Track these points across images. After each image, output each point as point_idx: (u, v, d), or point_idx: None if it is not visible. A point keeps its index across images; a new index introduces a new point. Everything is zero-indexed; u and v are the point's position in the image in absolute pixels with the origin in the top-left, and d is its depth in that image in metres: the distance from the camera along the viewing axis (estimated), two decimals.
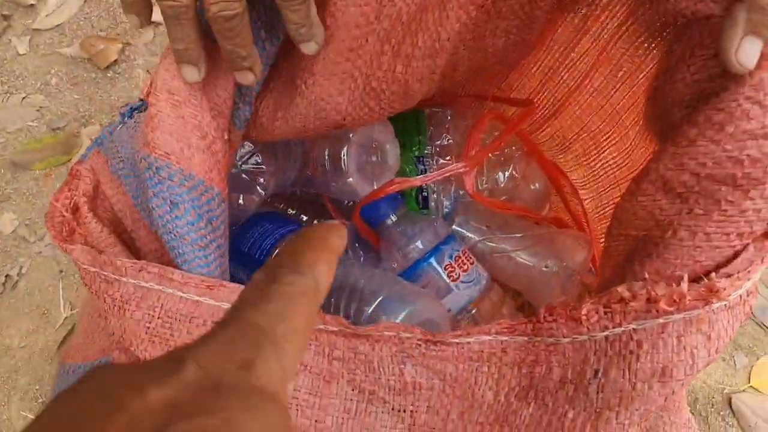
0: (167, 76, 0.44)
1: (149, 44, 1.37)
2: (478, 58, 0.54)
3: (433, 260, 0.65)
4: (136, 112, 0.51)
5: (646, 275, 0.39)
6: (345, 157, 0.58)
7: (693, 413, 1.11)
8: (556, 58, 0.65)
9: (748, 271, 0.37)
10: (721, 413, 1.12)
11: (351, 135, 0.59)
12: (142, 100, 0.51)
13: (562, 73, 0.67)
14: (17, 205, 1.26)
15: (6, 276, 1.21)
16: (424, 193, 0.71)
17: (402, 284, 0.58)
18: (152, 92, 0.45)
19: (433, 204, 0.71)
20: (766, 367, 1.14)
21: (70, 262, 1.21)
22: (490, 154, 0.67)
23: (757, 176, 0.36)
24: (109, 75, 1.35)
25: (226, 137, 0.48)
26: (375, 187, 0.61)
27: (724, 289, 0.36)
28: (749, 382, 1.13)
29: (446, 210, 0.71)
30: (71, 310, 1.19)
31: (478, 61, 0.54)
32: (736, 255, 0.38)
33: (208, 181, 0.45)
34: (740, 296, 0.38)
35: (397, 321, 0.54)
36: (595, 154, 0.70)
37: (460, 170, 0.61)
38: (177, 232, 0.44)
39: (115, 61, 1.35)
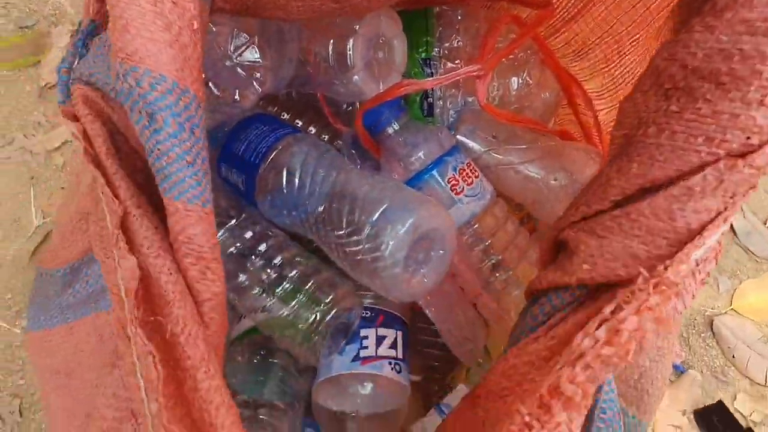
0: None
1: None
2: None
3: (435, 172, 0.61)
4: (90, 37, 0.45)
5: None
6: (351, 51, 0.54)
7: None
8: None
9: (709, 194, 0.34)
10: (702, 335, 1.13)
11: (357, 27, 0.54)
12: (92, 21, 0.45)
13: None
14: None
15: None
16: (429, 100, 0.67)
17: (406, 191, 0.55)
18: None
19: (438, 111, 0.67)
20: (748, 290, 1.15)
21: (42, 169, 1.16)
22: (504, 60, 0.63)
23: (743, 75, 0.32)
24: None
25: (195, 26, 0.41)
26: (381, 89, 0.57)
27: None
28: (731, 305, 1.14)
29: (451, 119, 0.67)
30: (44, 218, 1.14)
31: None
32: (702, 167, 0.34)
33: (181, 82, 0.39)
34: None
35: (404, 228, 0.51)
36: (617, 59, 0.66)
37: (474, 74, 0.57)
38: (159, 149, 0.39)
39: None
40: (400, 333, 0.63)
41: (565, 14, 0.69)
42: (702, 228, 0.34)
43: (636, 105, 0.38)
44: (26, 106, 1.19)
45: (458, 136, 0.66)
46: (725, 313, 1.14)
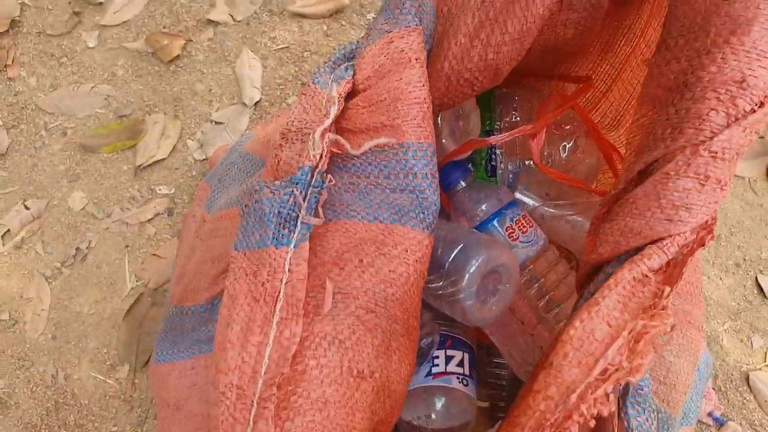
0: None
1: (210, 41, 1.48)
2: (549, 43, 0.64)
3: (496, 222, 0.74)
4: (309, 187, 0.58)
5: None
6: (440, 121, 0.69)
7: (714, 389, 1.21)
8: (613, 28, 0.75)
9: None
10: (739, 389, 1.21)
11: None
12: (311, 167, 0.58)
13: (619, 41, 0.76)
14: (86, 184, 1.36)
15: (76, 249, 1.31)
16: (493, 163, 0.81)
17: (478, 235, 0.68)
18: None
19: (500, 172, 0.81)
20: None
21: (135, 237, 1.31)
22: (554, 131, 0.77)
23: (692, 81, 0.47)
24: (171, 69, 1.45)
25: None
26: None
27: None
28: (765, 362, 1.22)
29: (511, 179, 0.81)
30: (136, 281, 1.28)
31: (549, 47, 0.65)
32: (673, 155, 0.47)
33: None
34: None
35: (477, 264, 0.63)
36: None
37: (528, 131, 0.70)
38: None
39: (178, 56, 1.46)
40: (466, 355, 0.74)
41: (603, 87, 0.83)
42: (686, 206, 0.46)
43: (638, 122, 0.51)
44: (123, 183, 1.36)
45: (516, 194, 0.79)
46: (760, 369, 1.22)
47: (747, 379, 1.22)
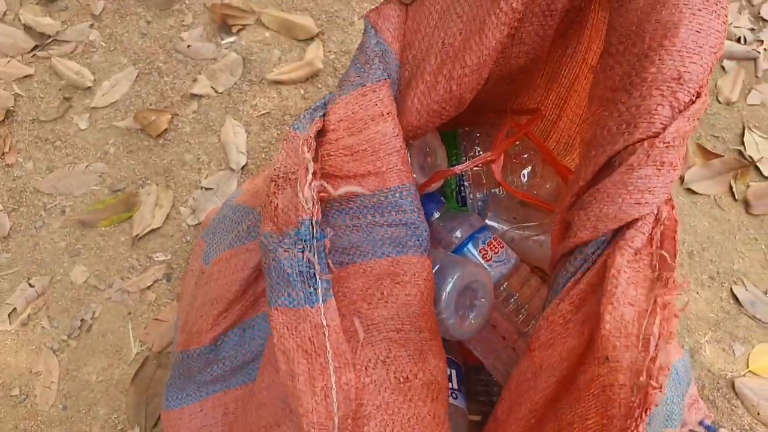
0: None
1: (195, 114, 1.56)
2: (504, 74, 0.72)
3: (470, 245, 0.81)
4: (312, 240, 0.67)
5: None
6: (410, 158, 0.76)
7: (702, 398, 1.26)
8: (557, 59, 0.83)
9: None
10: (727, 396, 1.26)
11: (412, 142, 0.77)
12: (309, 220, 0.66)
13: (563, 70, 0.85)
14: (87, 258, 1.42)
15: (81, 320, 1.36)
16: (462, 194, 0.88)
17: (452, 256, 0.75)
18: None
19: (470, 202, 0.88)
20: (761, 353, 1.29)
21: (137, 304, 1.37)
22: (514, 160, 0.85)
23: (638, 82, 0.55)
24: (160, 142, 1.53)
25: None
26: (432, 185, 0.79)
27: None
28: (748, 368, 1.28)
29: (480, 207, 0.88)
30: (141, 346, 1.33)
31: (504, 76, 0.73)
32: (633, 147, 0.56)
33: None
34: None
35: (453, 281, 0.70)
36: None
37: (489, 159, 0.78)
38: None
39: (166, 130, 1.54)
40: (454, 371, 0.79)
41: (552, 116, 0.91)
42: (649, 189, 0.54)
43: (588, 120, 0.59)
44: (122, 254, 1.42)
45: (486, 220, 0.86)
46: (744, 375, 1.28)
47: (733, 385, 1.27)
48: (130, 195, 1.48)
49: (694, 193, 1.44)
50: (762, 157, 1.44)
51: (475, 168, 0.87)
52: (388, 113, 0.67)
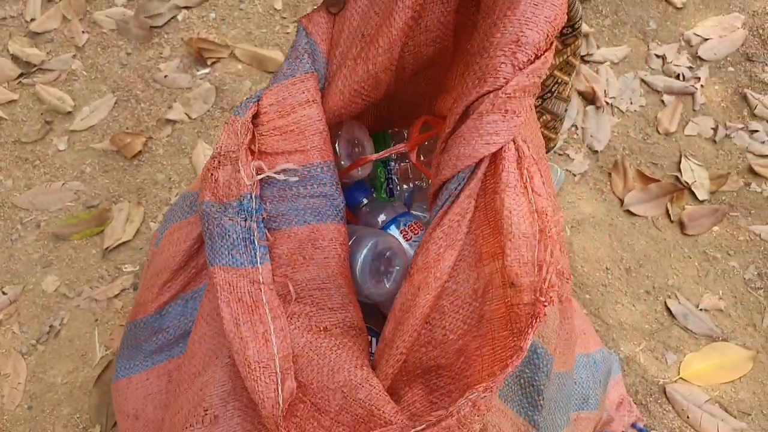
0: None
1: (168, 137, 1.66)
2: (419, 64, 0.82)
3: (393, 227, 0.90)
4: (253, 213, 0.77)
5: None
6: (338, 147, 0.86)
7: (636, 403, 1.33)
8: (464, 62, 0.94)
9: None
10: (659, 401, 1.33)
11: (340, 132, 0.86)
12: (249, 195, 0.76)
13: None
14: (58, 269, 1.50)
15: (50, 327, 1.43)
16: (390, 186, 0.97)
17: (370, 229, 0.84)
18: None
19: (396, 194, 0.97)
20: (691, 362, 1.36)
21: (104, 312, 1.44)
22: (424, 159, 0.95)
23: (486, 46, 0.69)
24: (135, 163, 1.63)
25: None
26: (359, 172, 0.89)
27: None
28: (679, 375, 1.35)
29: (406, 199, 0.97)
30: (106, 350, 1.40)
31: (420, 70, 0.83)
32: (482, 97, 0.67)
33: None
34: None
35: (368, 246, 0.79)
36: None
37: (402, 148, 0.88)
38: None
39: (140, 152, 1.64)
40: (374, 339, 0.87)
41: None
42: (495, 132, 0.64)
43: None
44: (92, 265, 1.50)
45: (412, 210, 0.95)
46: (675, 381, 1.35)
47: (664, 391, 1.34)
48: (103, 211, 1.56)
49: (633, 214, 1.53)
50: (696, 182, 1.55)
51: (403, 164, 0.96)
52: (313, 101, 0.77)
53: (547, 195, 0.66)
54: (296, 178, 0.75)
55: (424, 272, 0.66)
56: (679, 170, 1.58)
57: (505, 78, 0.64)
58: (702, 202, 1.54)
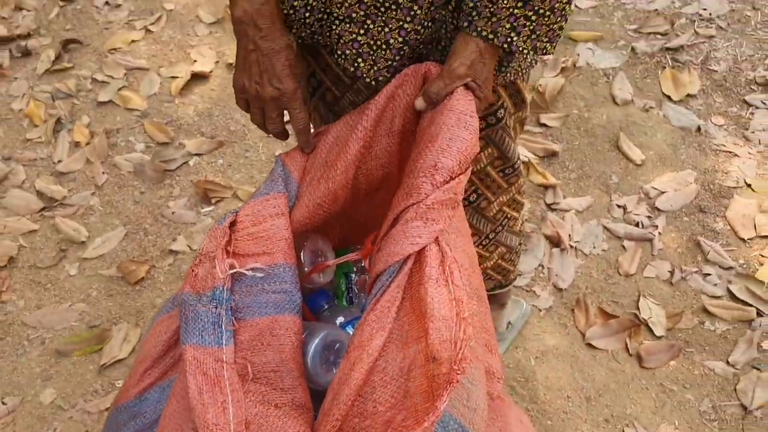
0: None
1: (170, 266, 1.83)
2: (371, 185, 0.99)
3: (349, 327, 1.02)
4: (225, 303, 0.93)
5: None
6: (303, 255, 1.01)
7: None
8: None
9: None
10: None
11: (305, 243, 1.02)
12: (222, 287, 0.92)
13: None
14: (57, 382, 1.61)
15: None
16: (350, 295, 1.10)
17: (322, 324, 0.97)
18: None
19: (356, 302, 1.10)
20: None
21: (95, 423, 1.54)
22: None
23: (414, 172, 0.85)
24: (137, 288, 1.78)
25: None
26: (321, 279, 1.03)
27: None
28: None
29: (364, 304, 1.10)
30: None
31: (371, 191, 1.00)
32: (407, 209, 0.82)
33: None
34: None
35: (319, 337, 0.92)
36: None
37: (355, 257, 1.03)
38: None
39: (143, 278, 1.79)
40: None
41: None
42: (419, 235, 0.78)
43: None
44: (88, 380, 1.61)
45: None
46: None
47: None
48: (104, 330, 1.70)
49: (594, 348, 1.64)
50: (653, 319, 1.67)
51: (362, 276, 1.11)
52: (282, 214, 0.93)
53: (463, 286, 0.79)
54: (262, 275, 0.89)
55: (358, 350, 0.78)
56: (638, 308, 1.70)
57: (425, 193, 0.80)
58: (659, 337, 1.66)
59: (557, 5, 0.86)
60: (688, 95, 2.22)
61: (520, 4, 0.84)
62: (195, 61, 2.42)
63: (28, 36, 2.56)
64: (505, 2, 0.83)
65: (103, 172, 2.06)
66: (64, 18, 2.65)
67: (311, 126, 1.07)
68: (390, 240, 0.82)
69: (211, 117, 2.23)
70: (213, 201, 1.98)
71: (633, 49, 2.39)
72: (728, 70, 2.29)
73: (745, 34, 2.41)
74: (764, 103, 2.17)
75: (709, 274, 1.77)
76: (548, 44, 0.90)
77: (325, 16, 0.93)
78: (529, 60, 1.06)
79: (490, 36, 0.86)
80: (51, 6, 2.69)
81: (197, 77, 2.36)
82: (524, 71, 1.06)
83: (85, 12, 2.68)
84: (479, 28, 0.86)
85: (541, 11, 0.85)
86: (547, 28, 0.88)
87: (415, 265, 0.81)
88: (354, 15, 0.90)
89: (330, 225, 1.07)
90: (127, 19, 2.62)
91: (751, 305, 1.70)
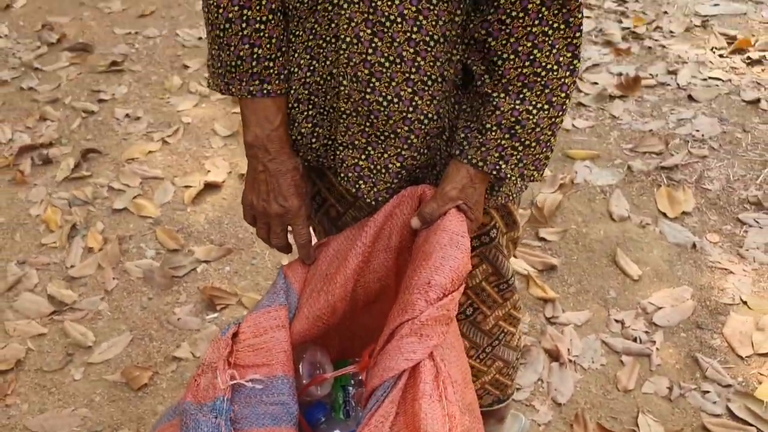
0: None
1: (173, 373, 1.85)
2: (368, 296, 1.04)
3: None
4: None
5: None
6: (302, 367, 1.04)
7: None
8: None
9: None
10: None
11: (304, 356, 1.05)
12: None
13: None
14: None
15: None
16: (347, 408, 1.13)
17: None
18: None
19: (352, 414, 1.12)
20: None
21: None
22: None
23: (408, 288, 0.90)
24: (139, 395, 1.80)
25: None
26: (319, 391, 1.06)
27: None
28: None
29: (361, 417, 1.12)
30: None
31: (369, 299, 1.04)
32: (402, 325, 0.86)
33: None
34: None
35: None
36: None
37: (353, 369, 1.06)
38: None
39: (145, 384, 1.82)
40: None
41: None
42: (413, 351, 0.82)
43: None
44: None
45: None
46: None
47: None
48: None
49: None
50: None
51: (360, 389, 1.13)
52: (282, 326, 0.98)
53: (456, 402, 0.83)
54: (261, 386, 0.93)
55: None
56: (637, 425, 1.71)
57: (420, 310, 0.85)
58: None
59: (542, 137, 0.93)
60: (683, 213, 2.29)
61: (507, 136, 0.91)
62: (209, 171, 2.53)
63: (50, 145, 2.69)
64: (494, 134, 0.91)
65: (114, 278, 2.12)
66: (85, 128, 2.79)
67: (315, 239, 1.14)
68: (386, 355, 0.86)
69: (221, 225, 2.31)
70: (218, 308, 2.02)
71: (629, 167, 2.48)
72: (722, 188, 2.37)
73: (736, 155, 2.51)
74: (757, 222, 2.23)
75: (708, 392, 1.77)
76: (535, 172, 0.96)
77: (330, 142, 1.01)
78: (519, 185, 1.13)
79: (480, 163, 0.93)
80: (74, 117, 2.84)
81: (210, 187, 2.46)
82: (515, 195, 1.13)
83: (106, 123, 2.82)
84: (470, 156, 0.93)
85: (528, 142, 0.92)
86: (534, 158, 0.95)
87: (409, 380, 0.85)
88: (356, 142, 0.97)
89: (329, 336, 1.11)
90: (146, 131, 2.75)
91: (751, 425, 1.70)
